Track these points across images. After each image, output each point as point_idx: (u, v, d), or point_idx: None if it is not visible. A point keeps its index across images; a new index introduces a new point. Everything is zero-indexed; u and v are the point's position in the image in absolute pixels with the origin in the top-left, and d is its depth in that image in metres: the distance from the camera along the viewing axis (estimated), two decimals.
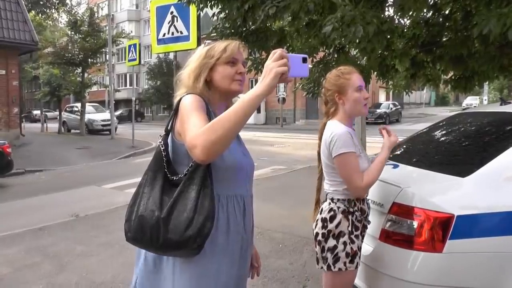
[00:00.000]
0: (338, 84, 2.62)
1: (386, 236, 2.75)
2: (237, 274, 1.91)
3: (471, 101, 42.34)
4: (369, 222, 2.73)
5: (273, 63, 1.57)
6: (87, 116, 26.33)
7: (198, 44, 7.55)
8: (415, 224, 2.59)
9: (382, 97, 41.73)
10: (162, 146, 1.83)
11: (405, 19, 6.99)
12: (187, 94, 1.84)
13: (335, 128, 2.57)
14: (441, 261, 2.54)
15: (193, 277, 1.79)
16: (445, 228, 2.50)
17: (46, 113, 33.79)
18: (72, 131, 27.77)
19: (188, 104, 1.76)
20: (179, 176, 1.77)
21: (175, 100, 1.88)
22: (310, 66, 10.25)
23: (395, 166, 3.18)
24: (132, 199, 1.82)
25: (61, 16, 28.15)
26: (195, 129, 1.61)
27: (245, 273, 2.04)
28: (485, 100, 35.86)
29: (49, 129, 28.89)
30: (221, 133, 1.53)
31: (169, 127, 1.85)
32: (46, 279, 4.46)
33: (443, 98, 57.19)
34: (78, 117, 26.46)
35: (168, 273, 1.82)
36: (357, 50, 7.21)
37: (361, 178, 2.50)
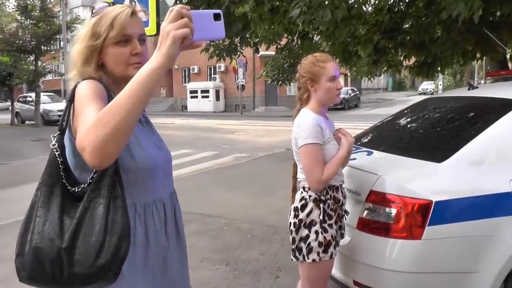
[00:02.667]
0: (312, 72, 2.55)
1: (363, 225, 2.71)
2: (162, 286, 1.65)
3: (426, 86, 43.44)
4: (346, 212, 2.68)
5: (169, 25, 1.19)
6: (43, 106, 25.30)
7: (158, 30, 7.30)
8: (393, 211, 2.56)
9: (340, 83, 42.16)
10: (57, 151, 1.45)
11: (368, 6, 7.01)
12: (83, 79, 1.47)
13: (303, 117, 2.52)
14: (419, 248, 2.52)
15: None
16: (423, 214, 2.48)
17: None
18: (27, 122, 26.79)
19: (83, 93, 1.39)
20: (82, 186, 1.42)
21: (69, 86, 1.50)
22: (273, 53, 10.19)
23: (369, 153, 3.14)
24: (22, 226, 1.43)
25: (9, 0, 26.90)
26: (86, 126, 1.24)
27: (175, 281, 1.72)
28: (440, 85, 36.88)
29: (0, 121, 27.82)
30: (112, 126, 1.16)
31: (64, 124, 1.47)
32: (2, 284, 4.22)
33: (400, 83, 58.49)
34: (33, 108, 25.47)
35: None
36: (320, 36, 7.21)
37: (322, 171, 2.45)
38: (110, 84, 1.55)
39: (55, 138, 1.49)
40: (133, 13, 1.52)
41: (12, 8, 25.70)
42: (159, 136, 1.72)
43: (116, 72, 1.53)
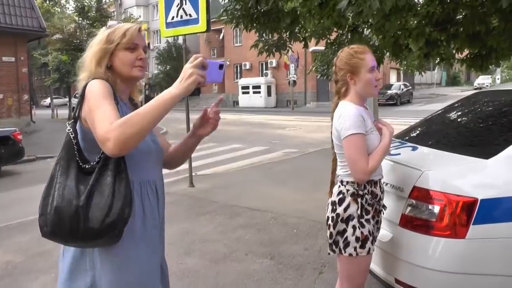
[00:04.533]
0: (351, 64, 2.50)
1: (406, 221, 2.66)
2: (155, 259, 1.92)
3: (483, 81, 41.58)
4: (384, 207, 2.62)
5: (193, 69, 1.63)
6: None
7: (208, 27, 7.41)
8: (437, 208, 2.49)
9: (393, 78, 41.27)
10: (71, 134, 1.76)
11: None
12: (93, 79, 1.77)
13: (344, 108, 2.47)
14: (463, 247, 2.45)
15: (115, 266, 1.75)
16: (468, 212, 2.41)
17: (53, 100, 33.85)
18: None
19: (96, 91, 1.71)
20: (91, 164, 1.72)
21: (80, 85, 1.82)
22: (323, 48, 10.12)
23: (414, 148, 3.07)
24: (45, 191, 1.73)
25: (69, 2, 28.11)
26: (106, 121, 1.57)
27: (162, 255, 2.02)
28: (498, 79, 35.27)
29: (59, 116, 29.00)
30: (138, 128, 1.55)
31: (76, 114, 1.77)
32: (57, 267, 4.42)
33: (454, 78, 56.50)
34: None
35: (89, 266, 1.76)
36: (370, 30, 7.06)
37: (367, 162, 2.39)
38: (115, 84, 1.85)
39: (70, 125, 1.78)
40: (139, 29, 1.90)
41: (71, 10, 26.74)
42: (155, 135, 2.00)
43: (123, 73, 1.86)
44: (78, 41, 24.83)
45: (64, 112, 28.83)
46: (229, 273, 4.18)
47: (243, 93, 37.58)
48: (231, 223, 5.76)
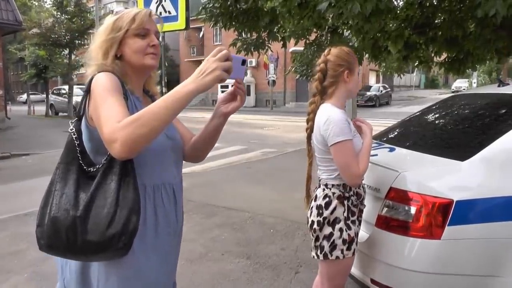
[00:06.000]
0: (350, 61, 2.50)
1: (382, 222, 2.66)
2: (166, 270, 1.75)
3: (460, 84, 42.33)
4: (364, 205, 2.63)
5: (217, 63, 1.45)
6: (75, 99, 25.68)
7: (187, 25, 7.36)
8: (413, 209, 2.50)
9: (372, 80, 41.67)
10: (74, 134, 1.58)
11: (398, 0, 6.85)
12: (98, 72, 1.59)
13: (331, 113, 2.42)
14: (439, 248, 2.46)
15: (123, 280, 1.58)
16: (444, 213, 2.42)
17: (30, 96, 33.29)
18: (60, 114, 27.39)
19: (102, 85, 1.52)
20: (97, 166, 1.54)
21: (86, 80, 1.62)
22: (302, 48, 10.15)
23: (391, 150, 3.08)
24: (43, 200, 1.56)
25: None
26: (113, 119, 1.40)
27: (174, 268, 1.85)
28: (474, 83, 35.86)
29: (36, 112, 28.50)
30: (149, 128, 1.37)
31: (81, 112, 1.59)
32: (31, 267, 4.33)
33: (432, 81, 57.28)
34: (66, 100, 26.03)
35: (94, 281, 1.59)
36: (350, 31, 7.10)
37: (358, 165, 2.40)
38: (124, 75, 1.67)
39: (73, 124, 1.61)
40: (150, 14, 1.71)
41: (49, 4, 26.30)
42: (173, 127, 1.81)
43: (134, 62, 1.67)
44: (56, 36, 24.38)
45: (41, 109, 28.30)
46: (205, 272, 4.15)
47: (223, 92, 36.91)
48: (207, 222, 5.72)
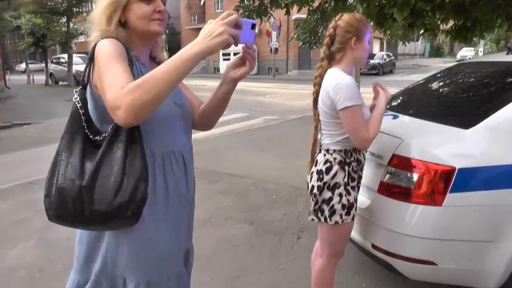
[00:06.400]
0: (360, 29, 2.46)
1: (384, 189, 2.68)
2: (177, 239, 1.73)
3: (466, 53, 41.74)
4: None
5: (225, 26, 1.40)
6: (75, 68, 25.53)
7: None
8: (415, 176, 2.52)
9: (376, 48, 41.22)
10: (78, 103, 1.55)
11: None
12: (102, 38, 1.53)
13: (341, 77, 2.38)
14: (440, 214, 2.49)
15: (133, 250, 1.58)
16: (446, 181, 2.44)
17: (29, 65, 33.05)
18: (60, 82, 27.26)
19: (105, 51, 1.47)
20: (103, 135, 1.51)
21: (90, 46, 1.55)
22: (305, 16, 9.99)
23: (395, 117, 3.08)
24: (50, 170, 1.54)
25: None
26: (117, 85, 1.35)
27: (186, 237, 1.88)
28: (481, 51, 35.37)
29: (35, 81, 28.37)
30: (154, 93, 1.32)
31: (85, 80, 1.55)
32: (37, 234, 4.39)
33: (437, 49, 56.68)
34: (66, 69, 25.85)
35: (105, 252, 1.60)
36: None
37: (367, 130, 2.39)
38: (129, 42, 1.61)
39: (77, 93, 1.57)
40: None
41: None
42: (181, 94, 1.78)
43: (139, 28, 1.61)
44: (52, 3, 23.97)
45: (41, 78, 28.15)
46: (208, 238, 4.20)
47: (224, 59, 37.07)
48: (210, 188, 5.77)
